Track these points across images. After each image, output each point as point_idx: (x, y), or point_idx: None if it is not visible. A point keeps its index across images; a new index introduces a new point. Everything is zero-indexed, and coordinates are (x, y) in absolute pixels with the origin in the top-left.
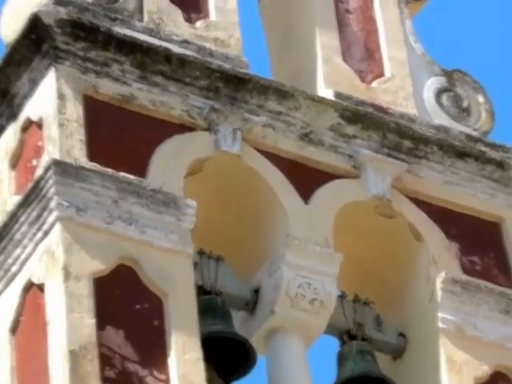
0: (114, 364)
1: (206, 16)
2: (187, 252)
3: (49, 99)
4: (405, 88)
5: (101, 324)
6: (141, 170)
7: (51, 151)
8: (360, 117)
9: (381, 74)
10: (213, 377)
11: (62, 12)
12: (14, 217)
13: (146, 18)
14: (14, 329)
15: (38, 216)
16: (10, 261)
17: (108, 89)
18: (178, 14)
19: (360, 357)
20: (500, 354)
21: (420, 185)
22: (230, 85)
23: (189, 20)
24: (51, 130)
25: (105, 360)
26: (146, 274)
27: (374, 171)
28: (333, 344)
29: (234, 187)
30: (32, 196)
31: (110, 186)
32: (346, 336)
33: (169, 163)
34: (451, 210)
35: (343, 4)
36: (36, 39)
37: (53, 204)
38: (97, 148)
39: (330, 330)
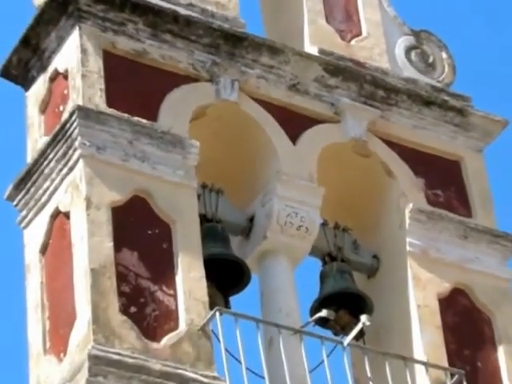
0: (129, 281)
1: None
2: (192, 185)
3: (73, 54)
4: (379, 45)
5: (117, 246)
6: (152, 114)
7: (75, 98)
8: (340, 70)
9: (358, 34)
10: (213, 292)
11: None
12: (43, 154)
13: None
14: (44, 250)
15: (64, 154)
16: (40, 192)
17: (124, 45)
18: None
19: (339, 275)
20: (458, 273)
21: (391, 128)
22: (229, 42)
23: None
24: (75, 80)
25: (121, 277)
26: (157, 204)
27: (352, 117)
28: (316, 265)
29: (232, 130)
30: (59, 137)
31: (125, 128)
32: (328, 258)
33: (176, 109)
34: (418, 151)
35: None
36: (62, 2)
37: (77, 143)
38: (114, 96)
39: (314, 252)
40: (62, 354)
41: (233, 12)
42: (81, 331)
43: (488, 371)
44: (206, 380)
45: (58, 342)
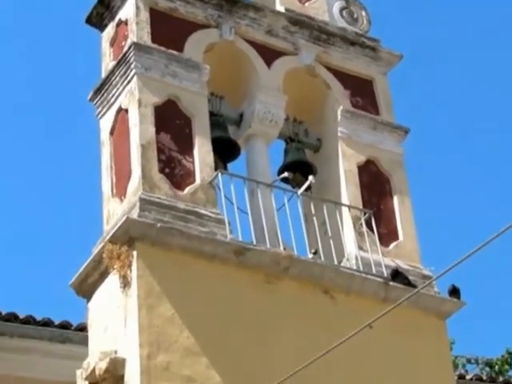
0: (164, 152)
1: None
2: (204, 93)
3: (131, 9)
4: (323, 7)
5: (157, 131)
6: (180, 47)
7: (132, 37)
8: (299, 22)
9: None
10: (217, 159)
11: None
12: (112, 72)
13: None
14: (112, 132)
15: (125, 72)
16: (109, 96)
17: (163, 4)
18: None
19: (296, 151)
20: (370, 150)
21: (330, 59)
22: (229, 3)
23: None
24: (132, 26)
25: (160, 150)
26: (183, 104)
27: (305, 51)
28: (281, 146)
29: (230, 59)
30: (122, 61)
31: (163, 56)
32: (289, 140)
33: (195, 44)
34: (346, 73)
35: None
36: None
37: (133, 65)
38: (156, 36)
39: (280, 136)
40: (122, 197)
41: None
42: (134, 183)
43: (387, 212)
44: (212, 215)
45: (120, 189)
